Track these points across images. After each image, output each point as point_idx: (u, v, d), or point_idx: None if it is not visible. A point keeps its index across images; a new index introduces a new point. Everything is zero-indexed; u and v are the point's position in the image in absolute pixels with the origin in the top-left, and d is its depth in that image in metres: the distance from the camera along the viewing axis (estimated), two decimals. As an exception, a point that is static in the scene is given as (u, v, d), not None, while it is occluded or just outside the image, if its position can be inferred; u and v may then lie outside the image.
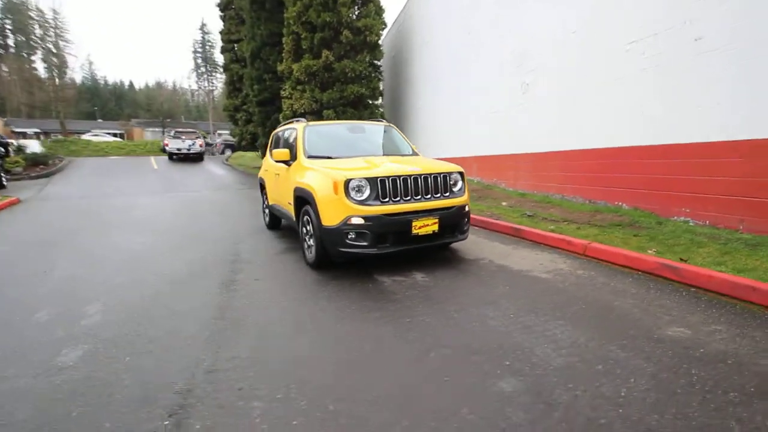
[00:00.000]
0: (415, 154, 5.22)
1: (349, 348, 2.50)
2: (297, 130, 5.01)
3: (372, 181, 3.77)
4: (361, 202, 3.72)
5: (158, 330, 2.82)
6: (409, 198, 3.87)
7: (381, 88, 15.28)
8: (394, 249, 3.79)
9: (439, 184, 4.05)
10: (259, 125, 17.97)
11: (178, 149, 20.54)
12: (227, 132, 36.16)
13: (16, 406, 1.98)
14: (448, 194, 4.11)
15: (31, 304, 3.37)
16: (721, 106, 4.67)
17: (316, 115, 14.72)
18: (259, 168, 7.91)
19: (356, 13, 14.06)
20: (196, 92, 60.83)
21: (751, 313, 2.79)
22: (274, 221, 6.41)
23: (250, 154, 28.44)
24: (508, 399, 1.94)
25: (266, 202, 6.41)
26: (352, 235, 3.71)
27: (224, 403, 1.97)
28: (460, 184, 4.25)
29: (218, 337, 2.69)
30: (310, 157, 4.62)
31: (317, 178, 4.01)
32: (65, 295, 3.59)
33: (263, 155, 20.42)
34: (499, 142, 9.12)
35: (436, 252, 4.66)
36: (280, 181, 5.27)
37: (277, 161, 4.97)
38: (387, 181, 3.80)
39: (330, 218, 3.76)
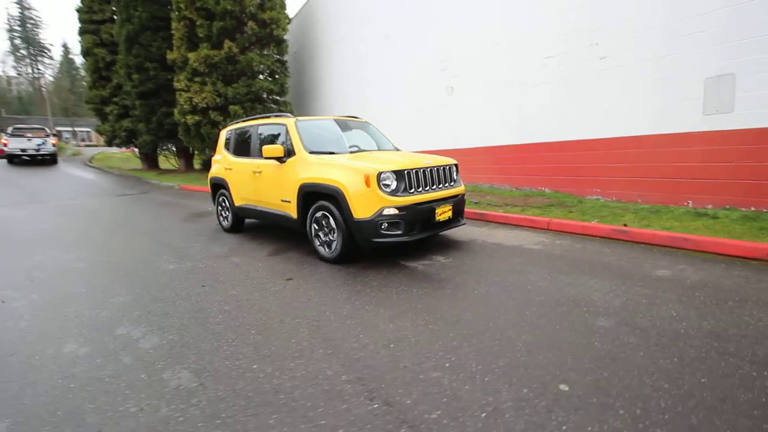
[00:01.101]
0: (396, 149, 5.56)
1: (467, 315, 2.78)
2: (287, 125, 4.86)
3: (399, 173, 4.03)
4: (392, 193, 3.94)
5: (247, 336, 2.64)
6: (428, 188, 4.24)
7: (287, 85, 14.89)
8: (420, 235, 4.12)
9: (446, 174, 4.52)
10: (143, 120, 15.63)
11: (23, 150, 16.55)
12: (84, 128, 30.23)
13: None
14: (453, 183, 4.61)
15: None
16: (624, 109, 6.18)
17: (221, 110, 13.66)
18: (139, 169, 7.17)
19: (258, 2, 13.37)
20: (16, 80, 48.88)
21: (692, 256, 3.98)
22: (238, 223, 6.01)
23: (119, 155, 24.44)
24: (613, 330, 2.52)
25: (228, 203, 5.95)
26: (385, 225, 3.91)
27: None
28: (456, 174, 4.77)
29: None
30: (312, 152, 4.57)
31: (343, 172, 4.05)
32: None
33: (144, 155, 17.54)
34: (429, 140, 9.97)
35: (430, 239, 5.10)
36: (266, 178, 5.03)
37: (266, 158, 4.75)
38: (412, 173, 4.10)
39: (363, 211, 3.89)
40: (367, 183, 3.89)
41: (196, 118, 13.63)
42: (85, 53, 17.16)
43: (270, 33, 13.78)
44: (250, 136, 5.54)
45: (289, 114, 5.22)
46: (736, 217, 4.74)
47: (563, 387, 1.98)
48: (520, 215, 5.83)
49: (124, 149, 19.98)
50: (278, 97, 14.74)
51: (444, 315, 2.86)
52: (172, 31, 13.91)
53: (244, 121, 6.04)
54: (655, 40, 5.64)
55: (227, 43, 13.05)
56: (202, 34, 13.32)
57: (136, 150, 18.26)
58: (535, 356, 2.26)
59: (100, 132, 17.90)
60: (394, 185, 3.98)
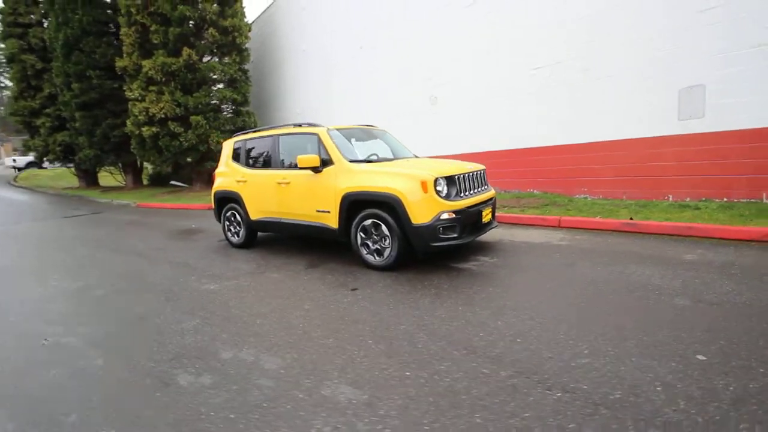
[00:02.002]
0: (415, 156, 5.69)
1: (560, 306, 2.97)
2: (319, 135, 4.79)
3: (450, 178, 4.17)
4: (447, 198, 4.08)
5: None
6: (473, 192, 4.44)
7: (249, 94, 14.42)
8: (470, 238, 4.28)
9: (482, 178, 4.76)
10: (84, 133, 14.13)
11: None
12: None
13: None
14: (487, 187, 4.85)
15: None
16: (609, 116, 6.89)
17: (181, 121, 12.87)
18: (71, 187, 6.76)
19: (217, 9, 12.84)
20: None
21: (698, 242, 4.56)
22: (251, 238, 5.76)
23: (47, 172, 21.83)
24: (694, 306, 2.87)
25: (241, 217, 5.68)
26: (441, 230, 4.02)
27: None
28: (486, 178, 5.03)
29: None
30: (352, 161, 4.56)
31: (398, 180, 4.10)
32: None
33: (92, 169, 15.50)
34: (416, 147, 10.21)
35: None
36: (295, 189, 4.91)
37: (301, 168, 4.65)
38: (461, 178, 4.27)
39: (421, 216, 3.96)
40: (425, 189, 3.98)
41: (154, 129, 12.71)
42: (10, 59, 15.17)
43: (232, 41, 13.31)
44: (271, 147, 5.36)
45: (317, 123, 5.15)
46: (715, 207, 5.51)
47: (700, 357, 2.24)
48: (530, 215, 6.25)
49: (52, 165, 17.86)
50: (241, 107, 14.21)
51: (540, 309, 3.03)
52: (122, 37, 12.89)
53: (254, 131, 5.83)
54: (636, 55, 6.39)
55: (186, 51, 12.38)
56: (157, 41, 12.52)
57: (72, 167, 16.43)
58: (655, 336, 2.51)
59: (29, 147, 15.85)
60: (446, 190, 4.12)
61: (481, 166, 4.85)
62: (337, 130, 5.00)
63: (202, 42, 12.87)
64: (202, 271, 4.71)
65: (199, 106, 12.81)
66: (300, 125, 5.20)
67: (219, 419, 1.98)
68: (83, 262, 5.55)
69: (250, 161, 5.64)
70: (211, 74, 12.95)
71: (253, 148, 5.66)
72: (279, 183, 5.10)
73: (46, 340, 3.02)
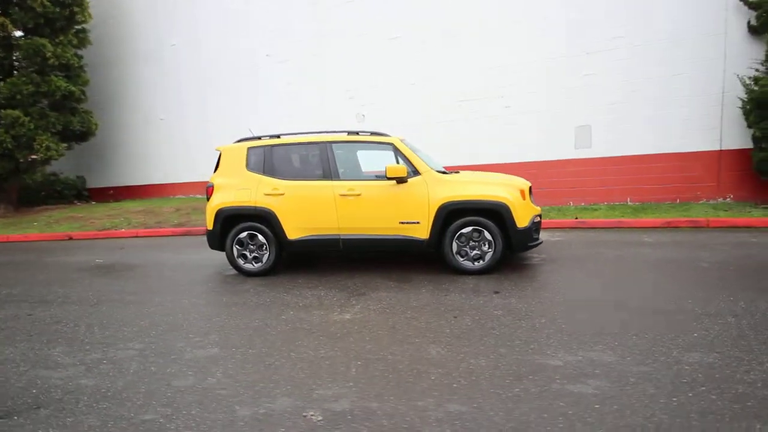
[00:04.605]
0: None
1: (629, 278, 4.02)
2: (395, 144, 4.62)
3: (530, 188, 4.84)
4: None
5: None
6: (530, 200, 5.22)
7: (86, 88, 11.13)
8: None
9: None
10: None
11: None
12: None
13: None
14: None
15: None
16: (521, 143, 8.85)
17: (-15, 115, 8.88)
18: None
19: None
20: None
21: (635, 231, 6.63)
22: (277, 263, 4.87)
23: None
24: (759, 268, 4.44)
25: (271, 238, 4.73)
26: (533, 231, 4.64)
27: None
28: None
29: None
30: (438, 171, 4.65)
31: (499, 189, 4.46)
32: None
33: None
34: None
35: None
36: (371, 201, 4.56)
37: (389, 178, 4.41)
38: (531, 188, 4.99)
39: (523, 220, 4.45)
40: (523, 196, 4.52)
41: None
42: None
43: (70, 16, 10.02)
44: (320, 155, 4.73)
45: (384, 132, 4.87)
46: (605, 209, 7.99)
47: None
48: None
49: None
50: (76, 105, 10.72)
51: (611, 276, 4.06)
52: None
53: (271, 138, 4.97)
54: (548, 98, 8.55)
55: (-2, 17, 8.65)
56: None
57: None
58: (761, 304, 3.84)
59: None
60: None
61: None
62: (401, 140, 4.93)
63: (26, 12, 9.22)
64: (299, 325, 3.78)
65: (18, 97, 9.08)
66: (357, 133, 4.84)
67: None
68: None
69: (285, 171, 4.79)
70: (39, 57, 9.38)
71: (287, 155, 4.84)
72: (343, 195, 4.58)
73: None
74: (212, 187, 4.91)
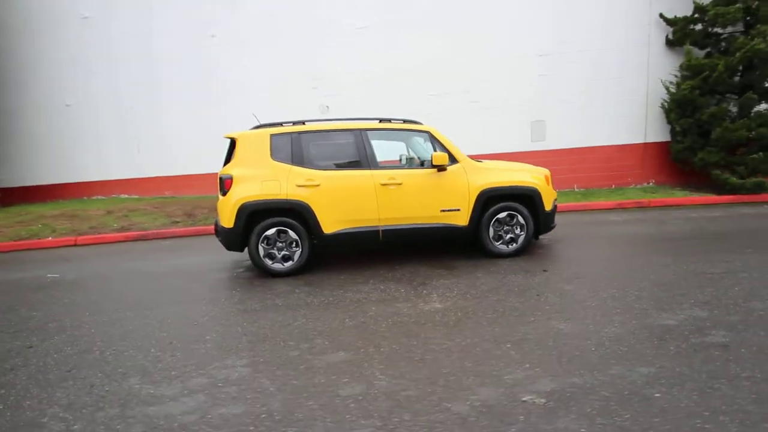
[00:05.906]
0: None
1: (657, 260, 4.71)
2: (431, 132, 4.62)
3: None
4: (550, 188, 5.12)
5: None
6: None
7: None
8: (553, 221, 5.45)
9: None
10: None
11: None
12: None
13: None
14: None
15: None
16: (486, 135, 9.43)
17: None
18: None
19: None
20: None
21: (600, 212, 7.55)
22: (311, 260, 4.54)
23: None
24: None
25: (305, 233, 4.36)
26: (554, 214, 5.04)
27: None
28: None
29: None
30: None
31: (527, 175, 4.78)
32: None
33: None
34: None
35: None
36: (412, 190, 4.48)
37: (434, 165, 4.40)
38: (545, 174, 5.38)
39: (548, 204, 4.82)
40: (547, 181, 4.89)
41: None
42: None
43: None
44: (355, 143, 4.47)
45: (416, 120, 4.76)
46: (558, 195, 8.98)
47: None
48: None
49: None
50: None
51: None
52: None
53: (295, 124, 4.57)
54: (503, 95, 9.21)
55: None
56: None
57: None
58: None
59: None
60: (549, 183, 5.16)
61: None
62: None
63: None
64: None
65: None
66: (389, 120, 4.69)
67: None
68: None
69: (317, 161, 4.43)
70: None
71: (317, 143, 4.48)
72: (384, 185, 4.42)
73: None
74: (230, 179, 4.32)
